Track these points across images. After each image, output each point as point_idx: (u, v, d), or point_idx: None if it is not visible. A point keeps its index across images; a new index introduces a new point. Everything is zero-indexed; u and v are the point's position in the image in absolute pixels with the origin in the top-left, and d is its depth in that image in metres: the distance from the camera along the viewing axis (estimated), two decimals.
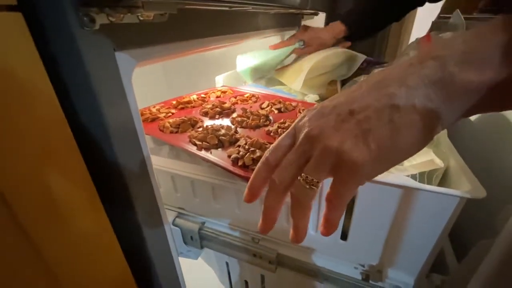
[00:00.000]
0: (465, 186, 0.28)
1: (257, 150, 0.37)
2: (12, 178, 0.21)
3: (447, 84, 0.15)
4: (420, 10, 0.95)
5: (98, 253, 0.31)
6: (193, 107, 0.59)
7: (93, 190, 0.28)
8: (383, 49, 0.92)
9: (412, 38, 0.88)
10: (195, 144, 0.41)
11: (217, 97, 0.66)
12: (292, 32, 0.87)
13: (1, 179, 0.20)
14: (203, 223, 0.46)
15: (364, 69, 0.69)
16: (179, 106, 0.58)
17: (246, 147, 0.38)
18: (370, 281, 0.37)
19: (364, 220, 0.34)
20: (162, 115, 0.52)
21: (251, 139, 0.41)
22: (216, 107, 0.55)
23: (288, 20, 0.76)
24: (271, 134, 0.45)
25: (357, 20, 0.70)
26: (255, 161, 0.36)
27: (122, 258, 0.34)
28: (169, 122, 0.47)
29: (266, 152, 0.20)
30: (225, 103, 0.58)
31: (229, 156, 0.38)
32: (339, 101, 0.18)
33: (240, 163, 0.36)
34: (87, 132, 0.26)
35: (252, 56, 0.68)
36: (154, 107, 0.57)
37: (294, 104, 0.58)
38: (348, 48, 0.72)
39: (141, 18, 0.24)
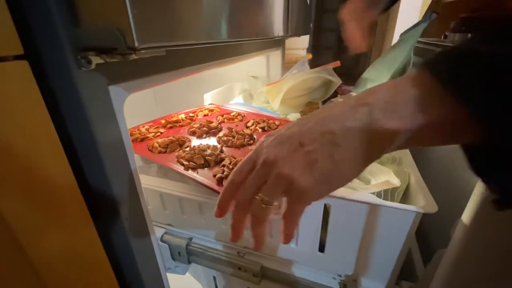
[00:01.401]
0: (421, 202, 0.32)
1: None
2: (8, 193, 0.22)
3: (375, 128, 0.18)
4: (398, 26, 1.01)
5: (87, 268, 0.32)
6: (181, 126, 0.62)
7: (84, 206, 0.30)
8: (367, 62, 0.98)
9: None
10: (182, 164, 0.44)
11: (205, 115, 0.69)
12: (277, 52, 0.92)
13: None
14: (191, 238, 0.48)
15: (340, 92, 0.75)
16: (168, 125, 0.61)
17: (230, 166, 0.41)
18: None
19: (338, 233, 0.37)
20: (151, 135, 0.55)
21: (235, 158, 0.44)
22: (203, 126, 0.58)
23: (273, 43, 0.81)
24: None
25: None
26: None
27: (110, 273, 0.35)
28: (157, 142, 0.50)
29: (231, 173, 0.24)
30: (212, 122, 0.61)
31: (214, 176, 0.41)
32: (293, 132, 0.21)
33: (224, 182, 0.39)
34: (80, 154, 0.29)
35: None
36: (143, 126, 0.59)
37: (277, 122, 0.62)
38: (335, 67, 0.76)
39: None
